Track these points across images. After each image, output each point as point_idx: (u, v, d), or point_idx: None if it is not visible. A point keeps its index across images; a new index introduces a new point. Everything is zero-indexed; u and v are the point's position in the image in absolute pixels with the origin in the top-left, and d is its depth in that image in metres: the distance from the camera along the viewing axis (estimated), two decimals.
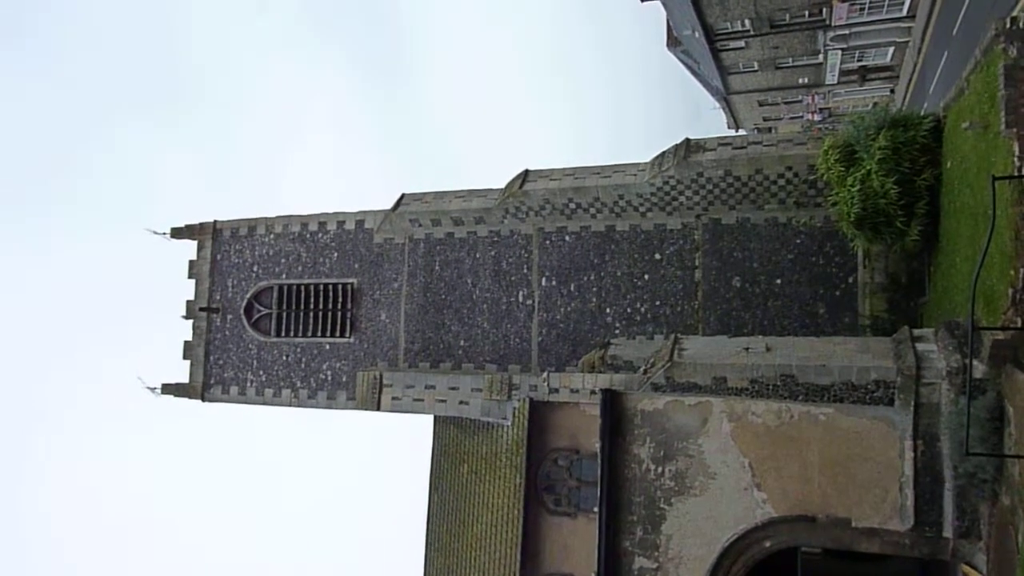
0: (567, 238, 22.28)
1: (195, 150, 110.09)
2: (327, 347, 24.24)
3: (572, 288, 22.14)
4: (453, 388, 19.96)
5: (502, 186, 23.07)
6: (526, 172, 22.82)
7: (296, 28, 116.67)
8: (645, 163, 21.60)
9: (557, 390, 17.33)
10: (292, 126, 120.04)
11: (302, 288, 24.65)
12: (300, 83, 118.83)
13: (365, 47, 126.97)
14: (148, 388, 25.01)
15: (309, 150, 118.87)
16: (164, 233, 25.82)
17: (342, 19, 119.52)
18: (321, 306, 24.38)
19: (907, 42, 34.18)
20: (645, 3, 36.73)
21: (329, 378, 24.06)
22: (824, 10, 33.25)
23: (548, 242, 22.44)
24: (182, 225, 26.00)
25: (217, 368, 25.27)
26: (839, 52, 37.47)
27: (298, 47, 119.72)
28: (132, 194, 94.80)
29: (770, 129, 53.81)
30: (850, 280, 20.06)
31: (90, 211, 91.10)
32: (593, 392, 16.47)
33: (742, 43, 37.60)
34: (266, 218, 25.45)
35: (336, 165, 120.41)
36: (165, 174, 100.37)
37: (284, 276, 24.93)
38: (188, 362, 25.55)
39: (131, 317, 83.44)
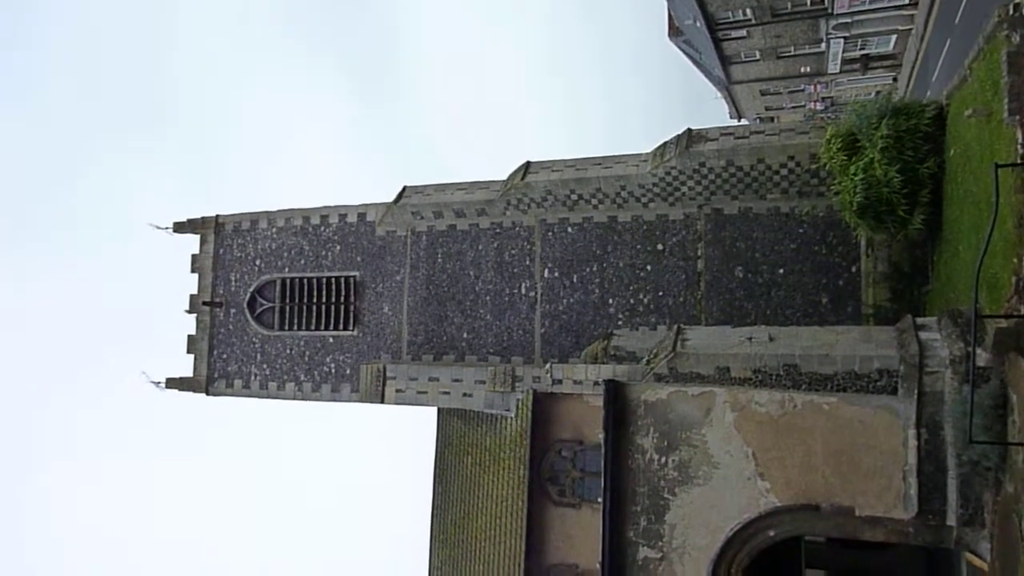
0: (569, 229, 22.27)
1: (191, 155, 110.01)
2: (330, 340, 24.27)
3: (575, 279, 22.13)
4: (457, 380, 19.98)
5: (504, 178, 23.05)
6: (528, 163, 22.79)
7: (289, 30, 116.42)
8: (647, 153, 21.56)
9: (560, 381, 17.36)
10: (290, 127, 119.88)
11: (305, 281, 24.68)
12: (297, 84, 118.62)
13: (360, 44, 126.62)
14: (152, 383, 25.09)
15: (309, 150, 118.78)
16: (167, 228, 25.88)
17: (335, 15, 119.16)
18: (324, 299, 24.40)
19: (909, 30, 34.03)
20: None
21: (333, 371, 24.11)
22: None
23: (550, 233, 22.43)
24: (184, 220, 26.05)
25: (221, 362, 25.33)
26: (841, 40, 37.32)
27: (294, 49, 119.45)
28: (128, 202, 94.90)
29: (772, 119, 53.62)
30: (853, 269, 20.03)
31: (86, 217, 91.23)
32: (596, 383, 16.48)
33: (744, 32, 37.48)
34: (268, 212, 25.47)
35: (336, 162, 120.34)
36: (160, 182, 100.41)
37: (287, 270, 24.96)
38: (192, 356, 25.62)
39: (135, 314, 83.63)
